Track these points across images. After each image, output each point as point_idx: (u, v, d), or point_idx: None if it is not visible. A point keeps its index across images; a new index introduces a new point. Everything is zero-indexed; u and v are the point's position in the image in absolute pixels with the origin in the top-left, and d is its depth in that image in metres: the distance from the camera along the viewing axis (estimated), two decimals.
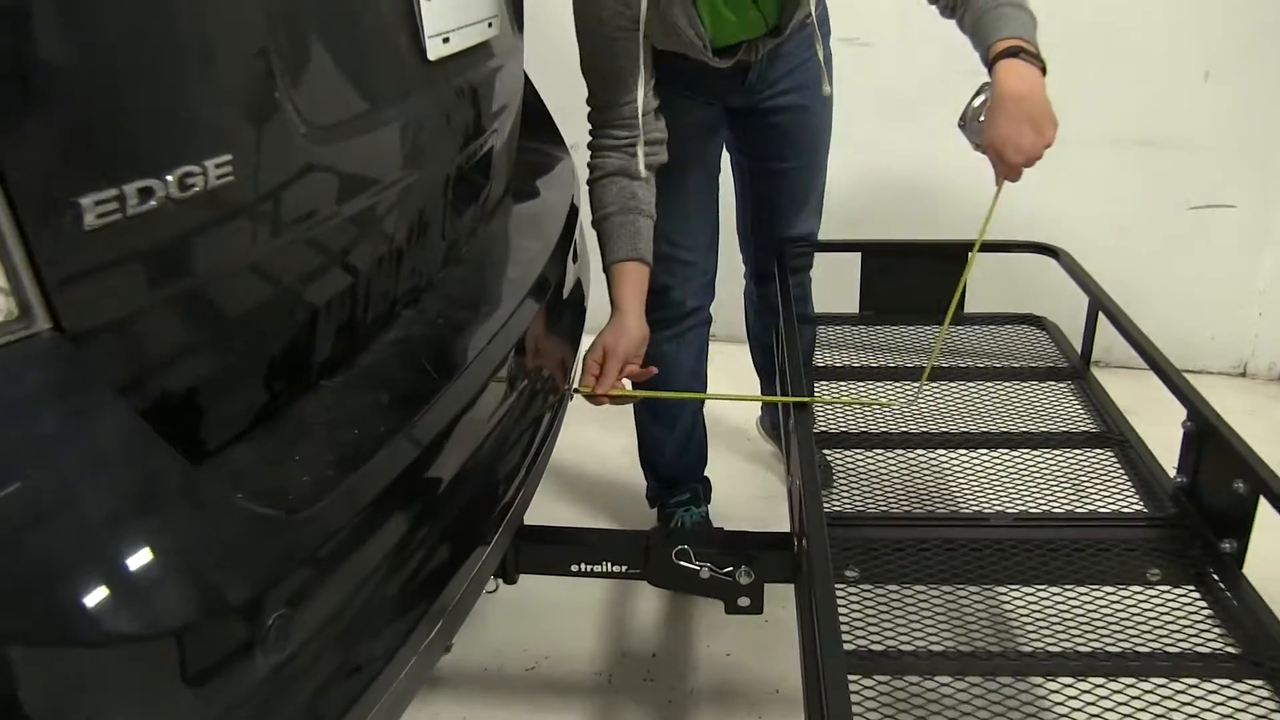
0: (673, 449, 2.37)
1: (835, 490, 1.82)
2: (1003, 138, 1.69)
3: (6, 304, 0.77)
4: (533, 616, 2.15)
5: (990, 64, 1.70)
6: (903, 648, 1.48)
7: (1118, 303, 2.11)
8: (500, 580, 1.73)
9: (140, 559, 0.75)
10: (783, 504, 2.59)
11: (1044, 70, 1.70)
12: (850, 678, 1.39)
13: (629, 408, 2.24)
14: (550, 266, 1.61)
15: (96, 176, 0.79)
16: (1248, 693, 1.40)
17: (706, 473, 2.50)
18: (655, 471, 2.42)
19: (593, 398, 1.74)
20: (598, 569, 1.72)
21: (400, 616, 1.04)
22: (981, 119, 1.74)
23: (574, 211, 1.86)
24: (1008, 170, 1.73)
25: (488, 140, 1.59)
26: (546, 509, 2.55)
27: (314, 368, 1.13)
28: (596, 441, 2.79)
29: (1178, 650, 1.46)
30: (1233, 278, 3.19)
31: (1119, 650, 1.47)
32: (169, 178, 0.85)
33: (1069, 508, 1.77)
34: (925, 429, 1.99)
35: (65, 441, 0.78)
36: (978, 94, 1.78)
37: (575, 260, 1.81)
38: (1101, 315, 2.13)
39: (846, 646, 1.47)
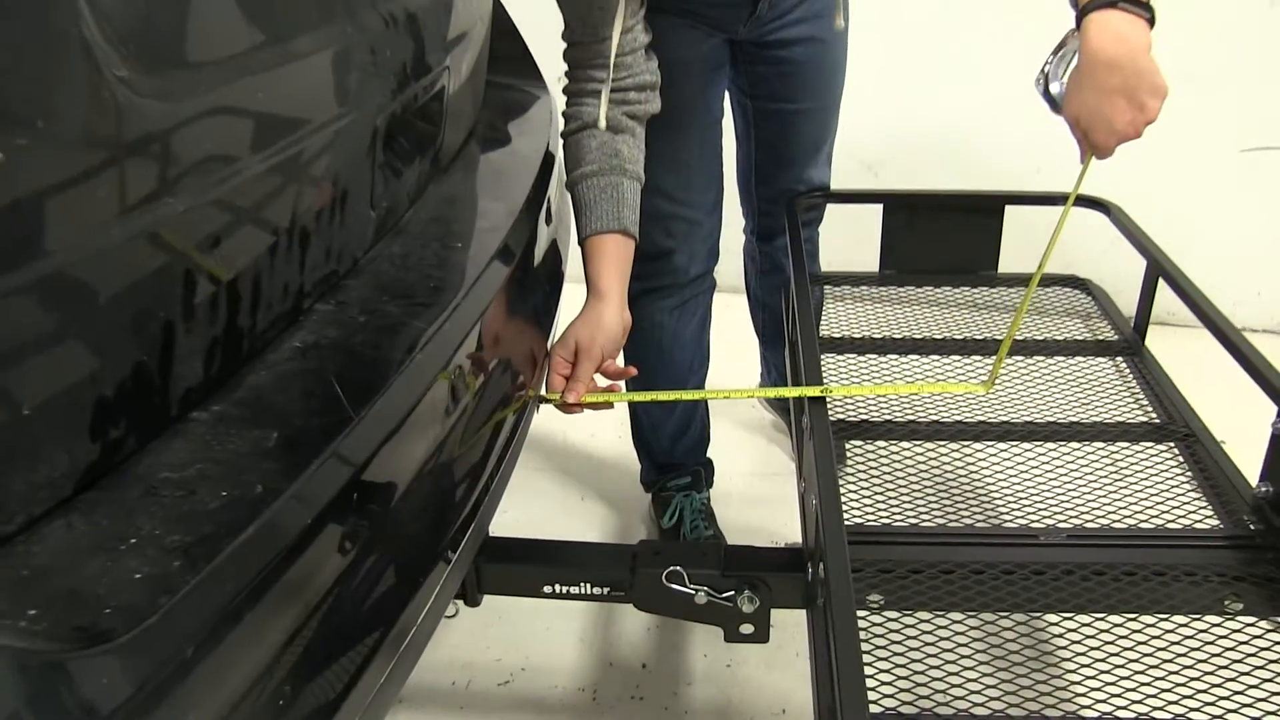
0: (671, 432, 2.07)
1: (854, 490, 1.53)
2: (1090, 112, 1.34)
3: None
4: (508, 622, 1.87)
5: (1079, 14, 1.35)
6: (939, 711, 1.20)
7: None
8: (460, 602, 1.45)
9: None
10: (789, 482, 2.30)
11: (1152, 21, 1.33)
12: None
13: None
14: (515, 234, 1.30)
15: None
16: None
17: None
18: (651, 455, 2.13)
19: (564, 406, 1.43)
20: (574, 590, 1.43)
21: None
22: (1064, 80, 1.40)
23: (549, 161, 1.54)
24: (1096, 149, 1.40)
25: (437, 80, 1.27)
26: (526, 488, 2.27)
27: (174, 399, 0.83)
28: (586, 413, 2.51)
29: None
30: None
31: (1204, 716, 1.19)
32: None
33: (1130, 520, 1.49)
34: (958, 417, 1.70)
35: None
36: (1060, 47, 1.42)
37: (549, 222, 1.50)
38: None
39: (873, 708, 1.19)
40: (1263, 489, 1.46)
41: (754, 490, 2.30)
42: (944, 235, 2.04)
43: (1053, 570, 1.38)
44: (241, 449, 0.82)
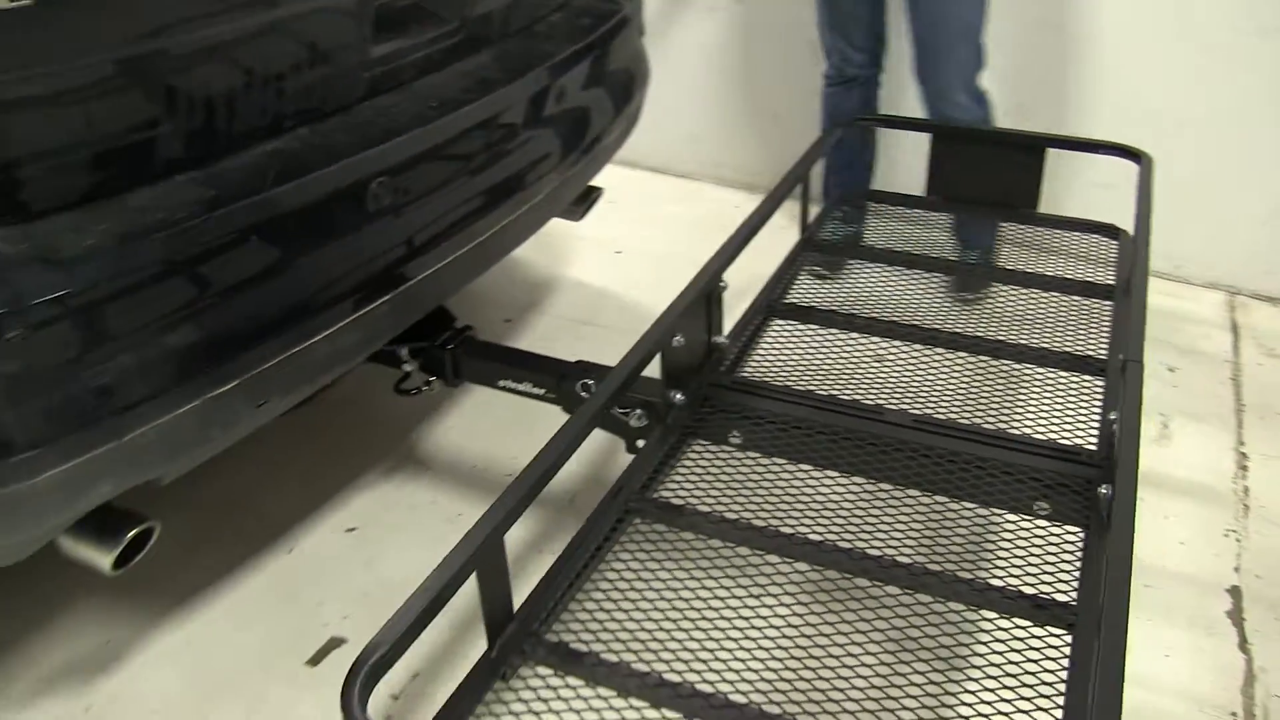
0: None
1: (757, 357, 2.00)
2: None
3: None
4: (538, 431, 2.47)
5: None
6: (728, 514, 1.68)
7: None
8: (439, 381, 2.08)
9: None
10: None
11: None
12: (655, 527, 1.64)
13: None
14: (478, 109, 1.86)
15: None
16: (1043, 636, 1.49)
17: None
18: None
19: None
20: (519, 389, 2.02)
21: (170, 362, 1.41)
22: None
23: (576, 56, 2.09)
24: None
25: None
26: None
27: (162, 163, 1.47)
28: None
29: (989, 581, 1.55)
30: None
31: (937, 568, 1.57)
32: None
33: (1000, 425, 1.85)
34: (893, 318, 2.10)
35: None
36: None
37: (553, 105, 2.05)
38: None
39: (691, 503, 1.69)
40: (1112, 415, 1.78)
41: None
42: (987, 169, 2.38)
43: (883, 443, 1.80)
44: (200, 196, 1.46)
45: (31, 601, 2.01)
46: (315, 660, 1.92)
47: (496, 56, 2.02)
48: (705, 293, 1.87)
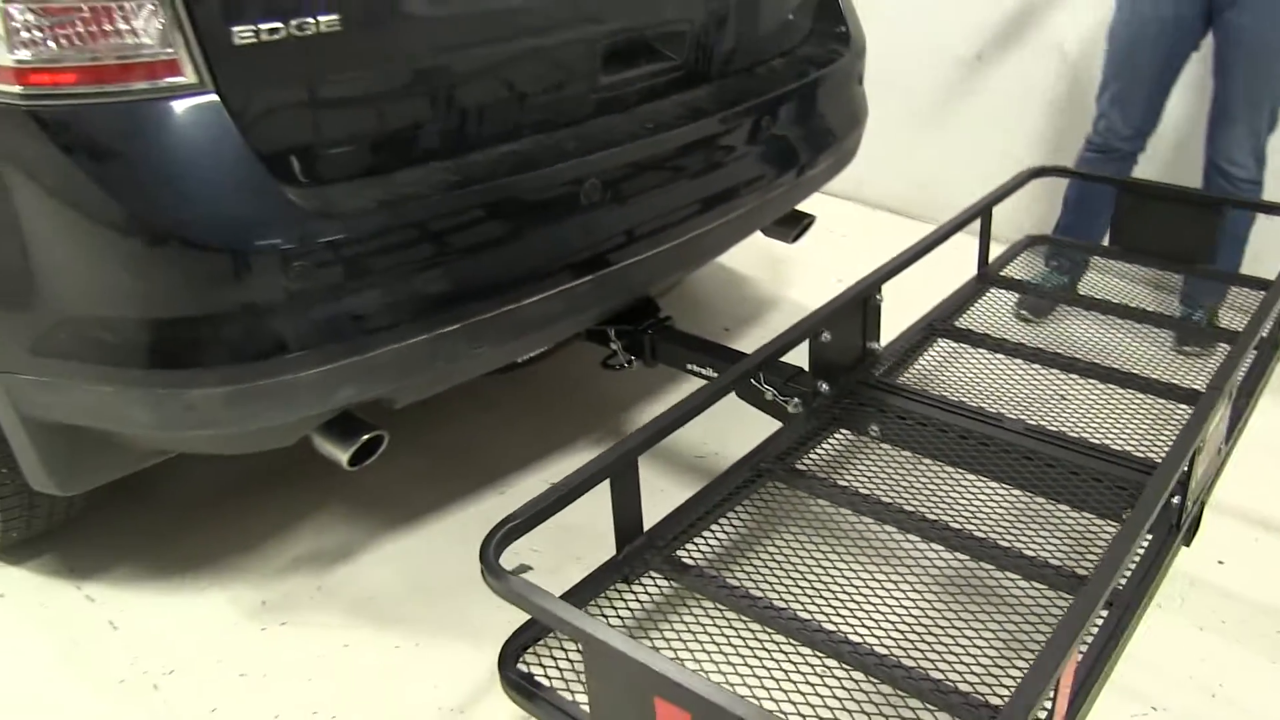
0: None
1: (909, 366, 2.33)
2: None
3: (195, 76, 1.72)
4: (729, 420, 2.86)
5: None
6: (841, 483, 2.03)
7: None
8: (638, 361, 2.52)
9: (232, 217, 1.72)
10: None
11: None
12: (778, 484, 2.02)
13: None
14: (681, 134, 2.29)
15: (238, 16, 1.71)
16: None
17: None
18: None
19: None
20: (703, 373, 2.42)
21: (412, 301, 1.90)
22: None
23: (778, 101, 2.49)
24: None
25: (672, 22, 2.30)
26: None
27: (422, 152, 1.97)
28: None
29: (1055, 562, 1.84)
30: None
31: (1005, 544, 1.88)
32: (292, 22, 1.75)
33: (1105, 442, 2.11)
34: (1049, 348, 2.38)
35: (207, 155, 1.73)
36: None
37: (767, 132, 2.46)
38: None
39: (821, 477, 2.06)
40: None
41: None
42: (1168, 225, 2.59)
43: (994, 445, 2.09)
44: (448, 179, 1.95)
45: (293, 501, 2.57)
46: None
47: (713, 92, 2.44)
48: (861, 299, 2.22)
